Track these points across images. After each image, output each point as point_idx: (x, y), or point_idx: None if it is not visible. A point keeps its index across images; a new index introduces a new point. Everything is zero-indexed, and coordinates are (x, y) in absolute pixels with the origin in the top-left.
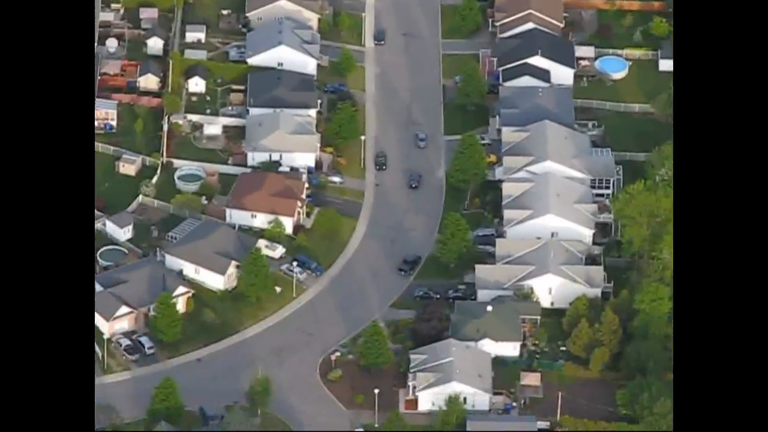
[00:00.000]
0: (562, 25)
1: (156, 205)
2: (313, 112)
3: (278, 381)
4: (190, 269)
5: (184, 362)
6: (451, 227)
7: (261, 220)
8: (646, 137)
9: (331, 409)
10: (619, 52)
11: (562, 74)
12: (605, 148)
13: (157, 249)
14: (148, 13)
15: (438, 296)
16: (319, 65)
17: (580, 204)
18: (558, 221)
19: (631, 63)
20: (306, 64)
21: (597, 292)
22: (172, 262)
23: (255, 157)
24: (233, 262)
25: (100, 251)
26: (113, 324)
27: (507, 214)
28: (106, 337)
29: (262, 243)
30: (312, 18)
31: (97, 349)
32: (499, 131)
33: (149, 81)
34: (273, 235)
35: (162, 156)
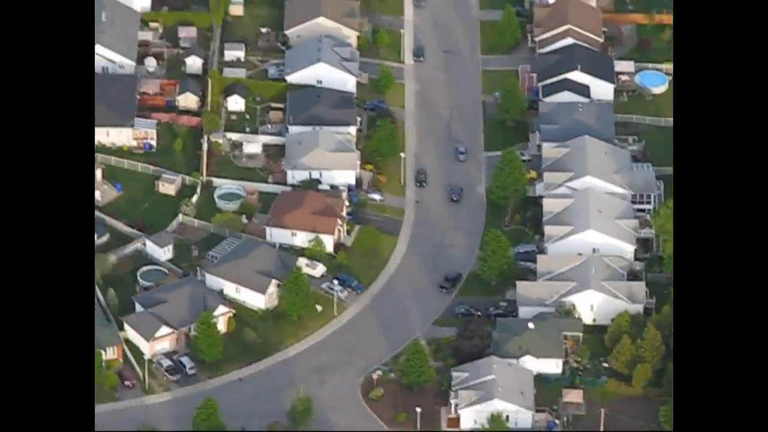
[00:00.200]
0: (601, 40)
1: (196, 225)
2: (352, 130)
3: (320, 400)
4: (230, 288)
5: (226, 382)
6: (492, 244)
7: (301, 239)
8: None
9: (373, 428)
10: (659, 66)
11: (602, 89)
12: (646, 163)
13: (198, 268)
14: (186, 32)
15: (479, 313)
16: (358, 82)
17: (621, 219)
18: (599, 237)
19: (671, 77)
20: (345, 81)
21: (639, 308)
22: (213, 281)
23: (295, 176)
24: (274, 281)
25: (140, 271)
26: (154, 344)
27: (548, 230)
28: (147, 357)
29: (302, 261)
30: (351, 35)
31: (138, 369)
32: (539, 147)
33: (188, 100)
34: (313, 254)
35: (202, 175)
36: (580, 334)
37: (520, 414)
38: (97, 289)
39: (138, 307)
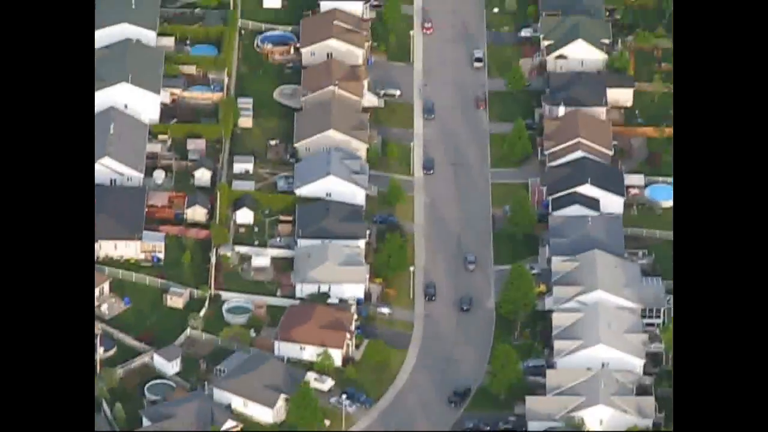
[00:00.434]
0: (611, 153)
1: (204, 338)
2: (362, 243)
3: None
4: (238, 403)
5: None
6: (501, 358)
7: (310, 353)
8: None
9: None
10: (669, 180)
11: (612, 203)
12: (656, 277)
13: (206, 383)
14: (195, 144)
15: (489, 428)
16: (367, 195)
17: (631, 334)
18: (608, 351)
19: None
20: (354, 194)
21: (648, 423)
22: (221, 395)
23: (304, 289)
24: (282, 396)
25: (148, 385)
26: None
27: (557, 344)
28: None
29: (311, 376)
30: (360, 148)
31: None
32: (548, 261)
33: (197, 212)
34: (322, 368)
35: (210, 288)
36: None
37: None
38: (103, 403)
39: (145, 421)
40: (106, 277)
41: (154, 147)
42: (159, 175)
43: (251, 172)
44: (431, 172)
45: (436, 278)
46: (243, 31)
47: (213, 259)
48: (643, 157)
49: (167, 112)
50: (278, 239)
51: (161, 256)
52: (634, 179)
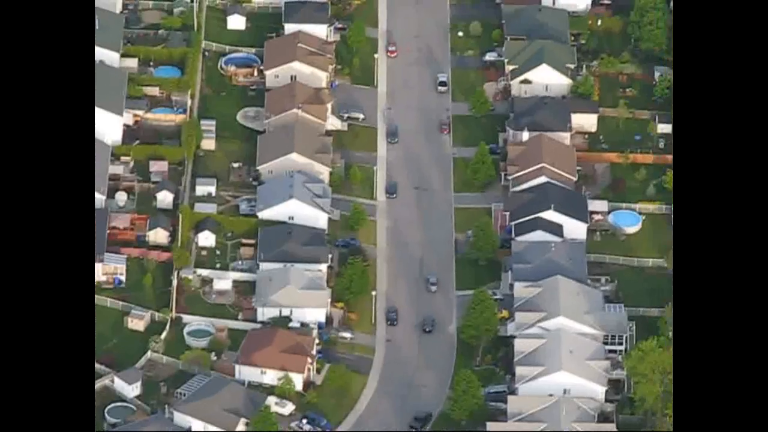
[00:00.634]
0: (575, 179)
1: (165, 362)
2: (323, 267)
3: None
4: (198, 426)
5: None
6: (462, 384)
7: (271, 377)
8: (659, 293)
9: None
10: (633, 206)
11: (575, 229)
12: (618, 304)
13: (166, 406)
14: (158, 166)
15: None
16: (330, 219)
17: (593, 360)
18: (570, 378)
19: (644, 217)
20: (317, 218)
21: None
22: (181, 419)
23: (265, 313)
24: (242, 420)
25: (107, 408)
26: None
27: (519, 370)
28: None
29: (271, 400)
30: (323, 171)
31: None
32: (511, 286)
33: (158, 235)
34: (283, 392)
35: (171, 311)
36: None
37: None
38: None
39: None
40: None
41: (117, 168)
42: (121, 197)
43: (214, 194)
44: (394, 196)
45: (398, 302)
46: (207, 53)
47: (174, 282)
48: (606, 183)
49: (130, 133)
50: (240, 262)
51: (123, 278)
52: (597, 205)
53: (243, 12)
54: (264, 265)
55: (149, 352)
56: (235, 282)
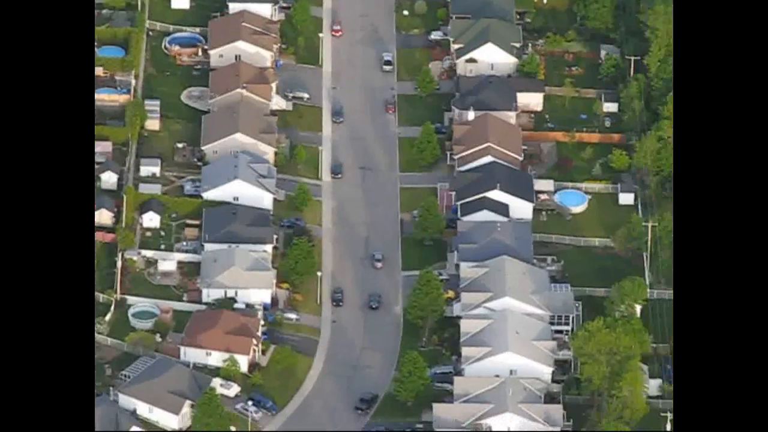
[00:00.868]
0: (521, 158)
1: (109, 343)
2: (269, 248)
3: None
4: (143, 409)
5: None
6: (408, 365)
7: (216, 359)
8: (606, 272)
9: None
10: (579, 185)
11: (521, 208)
12: (564, 284)
13: (111, 388)
14: (101, 147)
15: None
16: (275, 199)
17: (539, 341)
18: (517, 359)
19: (590, 197)
20: (262, 198)
21: (556, 430)
22: (126, 401)
23: (210, 294)
24: (187, 402)
25: None
26: None
27: (465, 351)
28: None
29: (216, 382)
30: (268, 151)
31: None
32: (457, 266)
33: (103, 216)
34: (228, 374)
35: (115, 293)
36: None
37: None
38: None
39: None
40: None
41: None
42: None
43: (158, 175)
44: (339, 176)
45: (343, 283)
46: (151, 33)
47: (119, 263)
48: (552, 162)
49: None
50: (185, 243)
51: None
52: (543, 184)
53: None
54: (209, 246)
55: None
56: (180, 263)
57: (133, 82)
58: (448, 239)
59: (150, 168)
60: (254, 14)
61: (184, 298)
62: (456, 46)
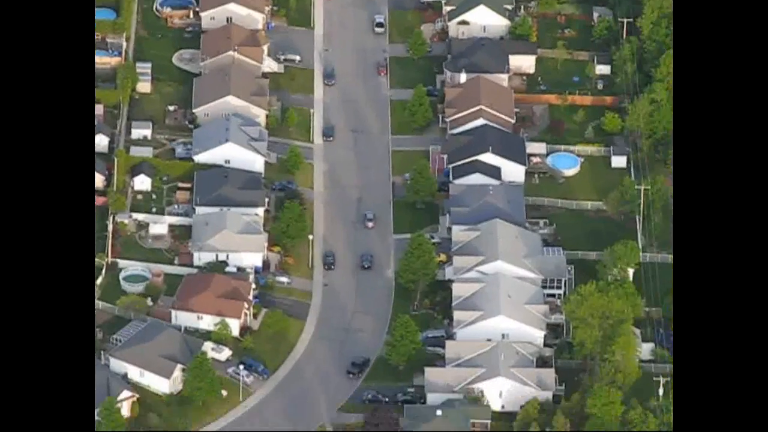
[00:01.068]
0: (513, 121)
1: (101, 307)
2: (260, 211)
3: None
4: (134, 373)
5: None
6: (400, 329)
7: (207, 322)
8: (598, 236)
9: None
10: (571, 148)
11: (513, 171)
12: (557, 247)
13: (102, 352)
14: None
15: (387, 400)
16: (266, 162)
17: (531, 305)
18: (509, 322)
19: (583, 159)
20: (253, 161)
21: (548, 395)
22: (117, 365)
23: (201, 257)
24: (179, 366)
25: None
26: None
27: (457, 315)
28: None
29: (208, 345)
30: (260, 114)
31: None
32: (449, 230)
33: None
34: (219, 338)
35: (107, 256)
36: (489, 422)
37: None
38: None
39: None
40: None
41: None
42: None
43: (149, 138)
44: (331, 138)
45: (335, 246)
46: None
47: (110, 227)
48: (545, 125)
49: None
50: (176, 206)
51: None
52: (535, 147)
53: None
54: (200, 209)
55: None
56: (171, 226)
57: (125, 44)
58: (440, 202)
59: (141, 131)
60: None
61: (176, 262)
62: (448, 8)
